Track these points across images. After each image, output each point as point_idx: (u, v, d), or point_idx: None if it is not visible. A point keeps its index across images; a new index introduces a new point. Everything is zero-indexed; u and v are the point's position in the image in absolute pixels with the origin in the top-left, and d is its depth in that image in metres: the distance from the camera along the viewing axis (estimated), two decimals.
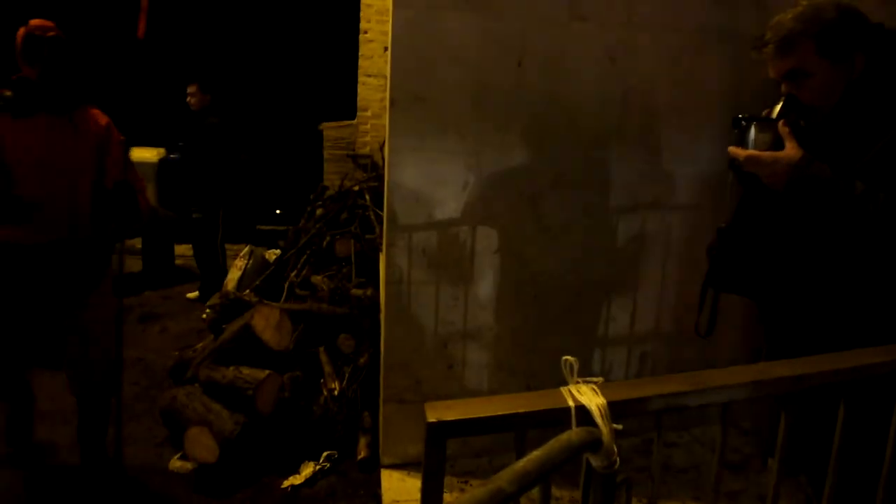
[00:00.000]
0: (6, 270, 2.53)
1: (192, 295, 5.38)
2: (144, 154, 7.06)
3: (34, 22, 2.55)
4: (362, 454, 3.08)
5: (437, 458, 0.95)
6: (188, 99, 4.93)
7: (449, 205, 2.69)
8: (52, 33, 2.55)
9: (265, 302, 3.42)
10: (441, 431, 0.93)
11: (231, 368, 3.12)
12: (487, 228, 2.74)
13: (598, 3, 2.68)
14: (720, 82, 2.88)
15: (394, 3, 2.58)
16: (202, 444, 2.92)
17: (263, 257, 4.85)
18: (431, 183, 2.66)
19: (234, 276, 4.62)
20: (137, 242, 6.73)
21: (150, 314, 5.26)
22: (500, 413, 0.97)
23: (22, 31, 2.53)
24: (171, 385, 3.73)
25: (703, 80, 2.87)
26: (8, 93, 2.46)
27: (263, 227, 6.90)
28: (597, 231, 2.88)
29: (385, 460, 2.95)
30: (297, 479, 3.01)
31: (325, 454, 3.12)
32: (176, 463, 3.15)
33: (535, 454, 0.85)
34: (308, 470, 3.05)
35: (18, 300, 2.59)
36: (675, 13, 2.77)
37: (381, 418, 3.06)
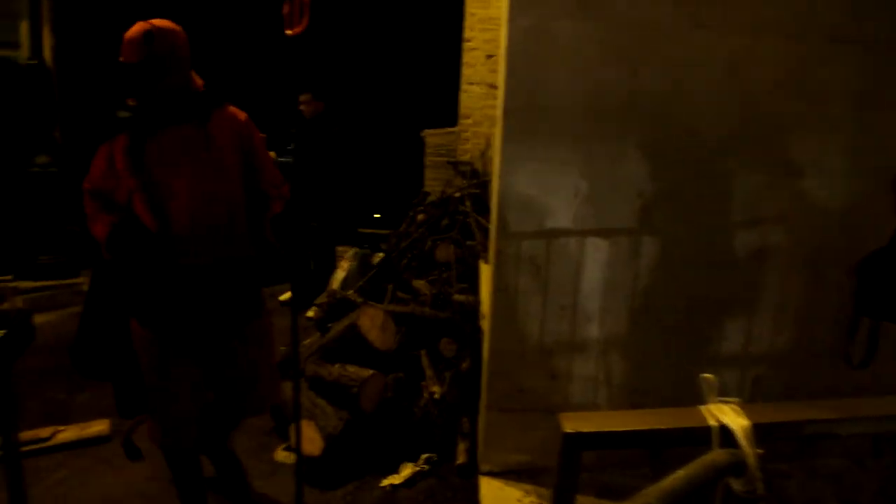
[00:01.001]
0: (158, 295, 2.29)
1: (285, 297, 5.43)
2: None
3: (159, 23, 2.24)
4: (461, 459, 3.10)
5: (571, 470, 0.95)
6: (301, 107, 4.96)
7: (560, 213, 2.67)
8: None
9: (371, 303, 3.51)
10: (577, 443, 0.93)
11: (337, 366, 3.22)
12: (598, 239, 2.70)
13: (720, 9, 2.59)
14: (850, 92, 2.71)
15: (509, 12, 2.58)
16: (307, 438, 3.02)
17: (367, 259, 4.97)
18: (543, 191, 2.65)
19: (338, 276, 4.77)
20: None
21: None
22: (638, 428, 0.95)
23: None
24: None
25: (830, 90, 2.71)
26: (124, 113, 2.27)
27: (364, 231, 7.08)
28: (711, 245, 2.77)
29: (484, 467, 2.96)
30: (396, 479, 3.06)
31: (424, 456, 3.16)
32: (281, 453, 3.28)
33: (680, 474, 0.83)
34: (407, 471, 3.09)
35: (176, 329, 2.31)
36: (802, 19, 2.63)
37: (480, 425, 3.07)
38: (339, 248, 7.12)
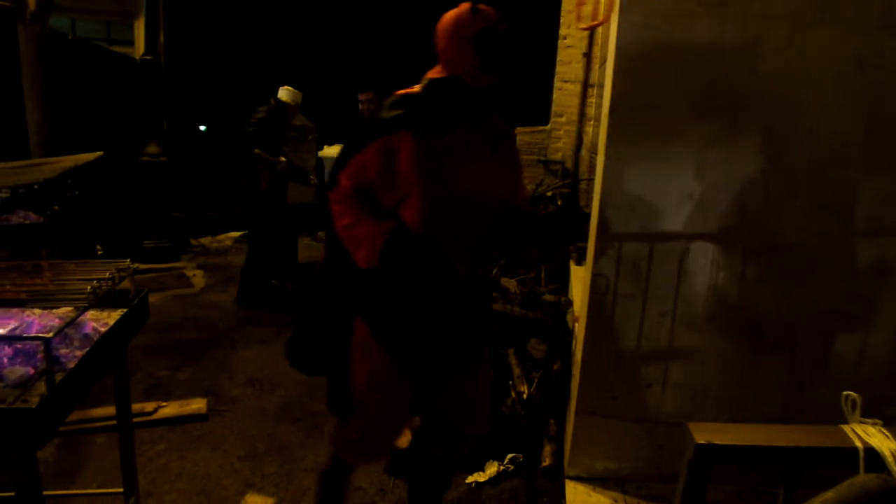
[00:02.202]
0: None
1: None
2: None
3: (487, 9, 1.98)
4: (547, 462, 3.05)
5: (699, 484, 0.90)
6: (360, 107, 4.89)
7: (666, 215, 2.58)
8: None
9: None
10: (709, 455, 0.88)
11: None
12: (705, 244, 2.59)
13: (849, 2, 2.42)
14: None
15: (619, 8, 2.52)
16: None
17: None
18: (649, 192, 2.56)
19: None
20: None
21: None
22: (775, 444, 0.89)
23: (468, 17, 1.96)
24: None
25: None
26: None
27: None
28: (827, 256, 2.60)
29: (570, 472, 2.91)
30: (481, 477, 3.05)
31: (509, 456, 3.13)
32: None
33: (828, 496, 0.78)
34: (492, 469, 3.08)
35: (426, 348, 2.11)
36: None
37: (568, 428, 3.02)
38: None
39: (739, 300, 2.64)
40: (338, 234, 1.99)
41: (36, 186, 3.19)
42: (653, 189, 2.55)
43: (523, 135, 7.04)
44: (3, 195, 3.40)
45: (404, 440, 3.02)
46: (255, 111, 5.20)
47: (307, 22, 8.60)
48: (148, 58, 6.61)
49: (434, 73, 2.06)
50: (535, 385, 3.26)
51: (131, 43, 7.98)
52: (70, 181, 3.79)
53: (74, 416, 3.28)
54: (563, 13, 6.85)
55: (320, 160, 7.74)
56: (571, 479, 2.90)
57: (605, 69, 2.96)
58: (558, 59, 6.88)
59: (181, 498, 2.85)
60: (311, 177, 5.64)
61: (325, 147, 7.84)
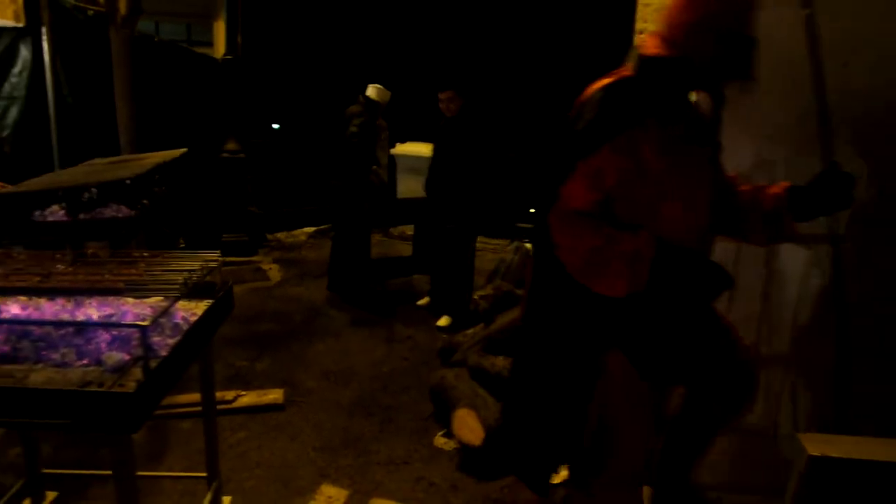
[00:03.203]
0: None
1: (422, 302, 5.40)
2: (419, 149, 7.64)
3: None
4: None
5: (813, 498, 0.85)
6: (441, 105, 4.78)
7: None
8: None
9: None
10: (823, 469, 0.83)
11: (500, 358, 3.21)
12: (795, 245, 2.47)
13: None
14: None
15: None
16: (468, 427, 3.05)
17: (528, 253, 4.91)
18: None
19: (501, 268, 4.77)
20: (409, 229, 7.33)
21: (419, 295, 5.67)
22: None
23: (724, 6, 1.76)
24: (438, 365, 3.97)
25: None
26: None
27: (523, 225, 7.06)
28: None
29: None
30: (555, 479, 3.01)
31: None
32: (440, 439, 3.34)
33: None
34: (567, 472, 3.03)
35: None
36: None
37: None
38: (493, 241, 7.18)
39: (832, 305, 2.50)
40: (570, 263, 1.67)
41: (127, 182, 3.34)
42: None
43: None
44: (95, 192, 3.58)
45: (476, 437, 3.01)
46: (350, 112, 5.25)
47: (381, 20, 8.68)
48: (228, 57, 6.83)
49: (652, 49, 1.81)
50: None
51: (210, 44, 8.28)
52: (157, 176, 3.95)
53: (163, 401, 3.43)
54: (638, 6, 6.67)
55: (392, 158, 7.82)
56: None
57: None
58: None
59: (260, 485, 2.93)
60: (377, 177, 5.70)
61: (398, 145, 7.90)
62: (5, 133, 4.71)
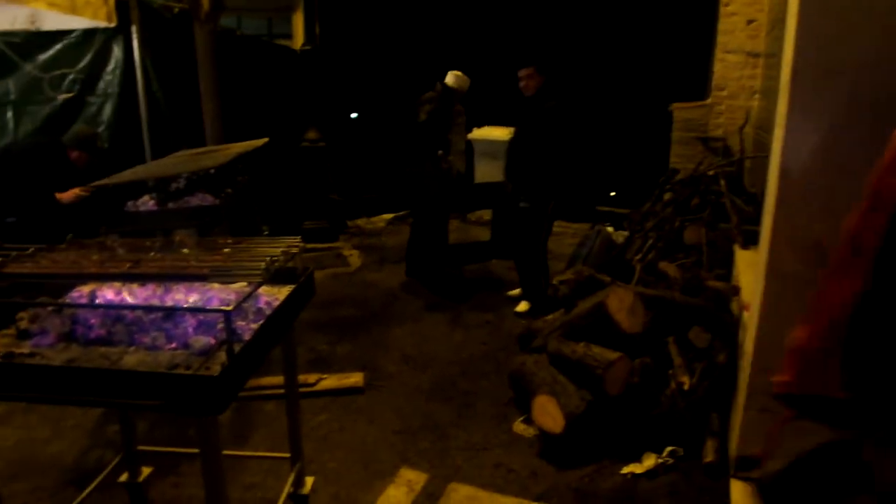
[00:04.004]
0: None
1: (514, 293, 5.19)
2: (495, 133, 7.57)
3: None
4: (709, 458, 2.86)
5: None
6: (520, 84, 4.64)
7: (855, 193, 2.28)
8: None
9: (620, 283, 3.36)
10: None
11: (581, 345, 3.14)
12: None
13: None
14: None
15: None
16: (548, 414, 2.99)
17: (610, 238, 4.79)
18: (833, 169, 2.28)
19: (581, 253, 4.66)
20: (486, 214, 7.29)
21: (497, 280, 5.64)
22: None
23: None
24: (517, 350, 3.92)
25: None
26: None
27: (602, 209, 6.89)
28: None
29: (737, 470, 2.70)
30: (637, 468, 2.92)
31: (668, 449, 2.97)
32: (520, 426, 3.30)
33: None
34: (650, 461, 2.93)
35: None
36: None
37: (734, 423, 2.81)
38: (573, 225, 7.04)
39: None
40: None
41: (212, 171, 3.45)
42: (839, 166, 2.26)
43: (682, 110, 6.65)
44: (182, 182, 3.72)
45: (556, 424, 2.96)
46: (422, 99, 5.25)
47: (460, 5, 8.63)
48: (307, 48, 6.96)
49: None
50: (696, 376, 3.06)
51: (290, 36, 8.46)
52: (240, 166, 4.08)
53: (247, 383, 3.54)
54: None
55: (470, 143, 7.78)
56: (738, 478, 2.70)
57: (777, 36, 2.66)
58: (720, 28, 6.40)
59: (341, 466, 2.98)
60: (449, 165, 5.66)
61: (475, 129, 7.85)
62: (101, 129, 4.95)
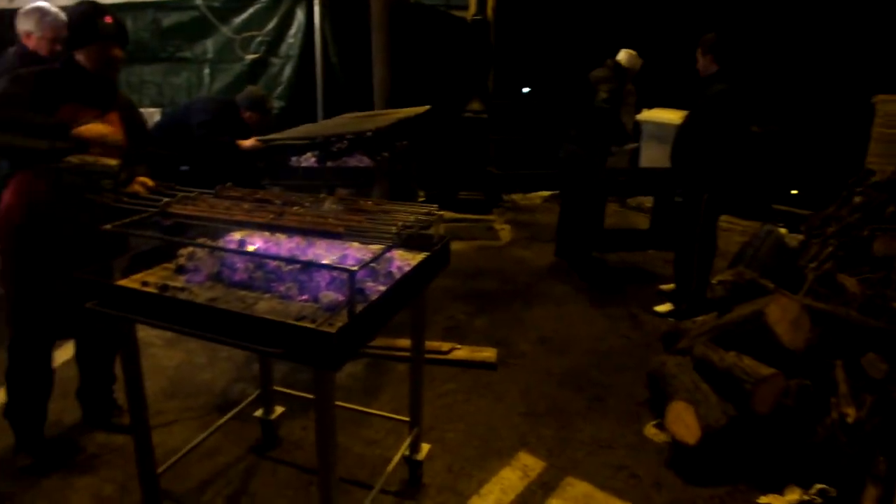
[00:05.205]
0: None
1: (667, 287, 4.83)
2: (666, 115, 7.10)
3: None
4: None
5: None
6: (698, 65, 4.23)
7: None
8: None
9: (784, 292, 3.02)
10: None
11: (731, 354, 2.87)
12: None
13: None
14: None
15: None
16: (684, 423, 2.78)
17: (782, 240, 4.32)
18: None
19: (747, 253, 4.26)
20: (647, 201, 6.92)
21: (650, 273, 5.35)
22: None
23: None
24: (659, 349, 3.69)
25: None
26: None
27: (779, 207, 6.28)
28: None
29: None
30: (776, 501, 2.63)
31: (817, 486, 2.63)
32: (651, 429, 3.11)
33: None
34: (793, 496, 2.63)
35: None
36: None
37: None
38: (742, 222, 6.48)
39: None
40: None
41: (369, 134, 3.53)
42: None
43: (885, 103, 5.84)
44: (345, 143, 3.84)
45: (691, 435, 2.74)
46: (595, 77, 5.04)
47: None
48: (478, 17, 6.92)
49: None
50: (865, 409, 2.68)
51: (465, 7, 8.48)
52: (401, 131, 4.15)
53: (383, 342, 3.65)
54: None
55: (637, 125, 7.40)
56: None
57: None
58: None
59: (460, 438, 2.98)
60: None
61: (644, 111, 7.45)
62: (280, 88, 5.28)
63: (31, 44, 3.30)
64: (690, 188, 4.29)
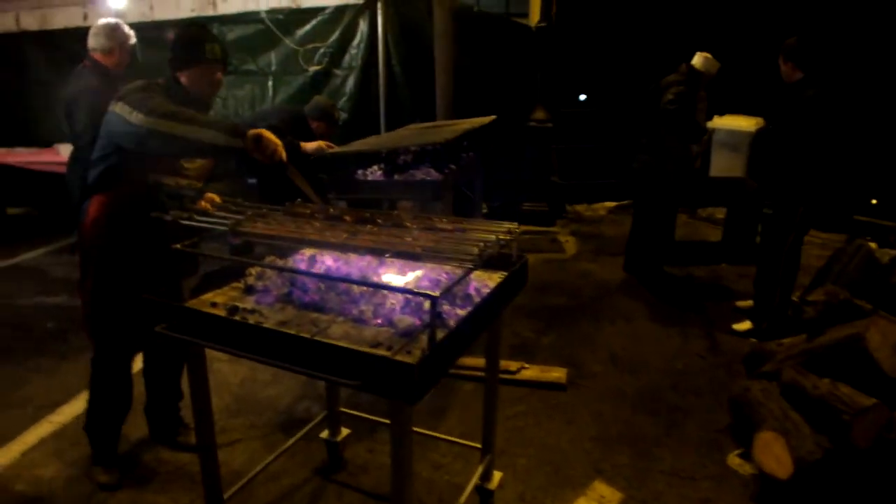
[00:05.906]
0: None
1: (744, 304, 4.61)
2: (739, 122, 6.80)
3: None
4: None
5: None
6: (781, 71, 4.02)
7: None
8: None
9: (884, 314, 2.79)
10: None
11: (826, 381, 2.65)
12: None
13: None
14: None
15: None
16: (773, 454, 2.58)
17: (872, 254, 4.03)
18: None
19: (834, 269, 3.99)
20: (719, 212, 6.65)
21: (725, 288, 5.11)
22: None
23: None
24: (741, 372, 3.48)
25: None
26: None
27: (860, 218, 5.92)
28: None
29: None
30: None
31: None
32: (735, 459, 2.91)
33: None
34: None
35: None
36: None
37: None
38: (822, 235, 6.14)
39: None
40: None
41: (439, 146, 3.45)
42: None
43: None
44: (410, 156, 3.78)
45: (782, 469, 2.54)
46: (666, 82, 4.86)
47: None
48: (542, 25, 6.79)
49: None
50: None
51: (527, 14, 8.38)
52: (466, 143, 4.06)
53: None
54: None
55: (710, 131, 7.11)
56: None
57: None
58: None
59: (531, 465, 2.85)
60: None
61: (716, 117, 7.15)
62: (343, 100, 5.27)
63: (103, 59, 3.37)
64: (783, 199, 4.04)
